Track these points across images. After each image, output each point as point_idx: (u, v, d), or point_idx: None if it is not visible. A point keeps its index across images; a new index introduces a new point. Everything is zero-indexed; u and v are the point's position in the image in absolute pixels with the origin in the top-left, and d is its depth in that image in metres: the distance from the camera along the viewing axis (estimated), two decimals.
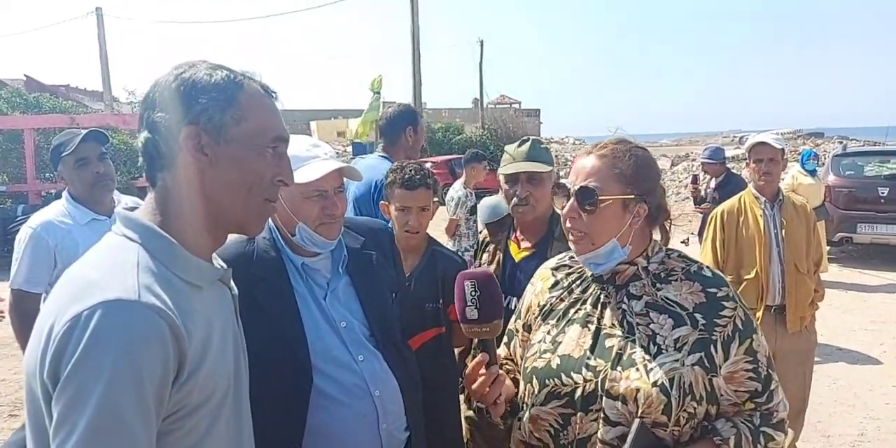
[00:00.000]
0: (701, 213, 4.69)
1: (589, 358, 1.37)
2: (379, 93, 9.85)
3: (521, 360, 1.53)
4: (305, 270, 1.64)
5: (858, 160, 9.57)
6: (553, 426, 1.39)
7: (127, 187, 10.42)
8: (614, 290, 1.44)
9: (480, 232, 5.63)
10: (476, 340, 2.40)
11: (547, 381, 1.40)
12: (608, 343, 1.38)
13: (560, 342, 1.44)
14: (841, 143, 17.79)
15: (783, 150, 3.27)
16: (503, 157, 2.36)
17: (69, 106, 15.31)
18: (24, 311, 2.57)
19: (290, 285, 1.60)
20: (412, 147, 3.14)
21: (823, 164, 9.68)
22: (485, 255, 2.42)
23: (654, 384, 1.29)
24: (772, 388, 1.38)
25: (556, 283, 1.56)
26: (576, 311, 1.47)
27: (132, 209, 1.11)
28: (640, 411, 1.29)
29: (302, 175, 1.52)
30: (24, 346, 1.97)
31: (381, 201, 2.34)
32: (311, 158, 1.60)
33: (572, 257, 1.57)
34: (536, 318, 1.55)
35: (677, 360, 1.31)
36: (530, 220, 2.27)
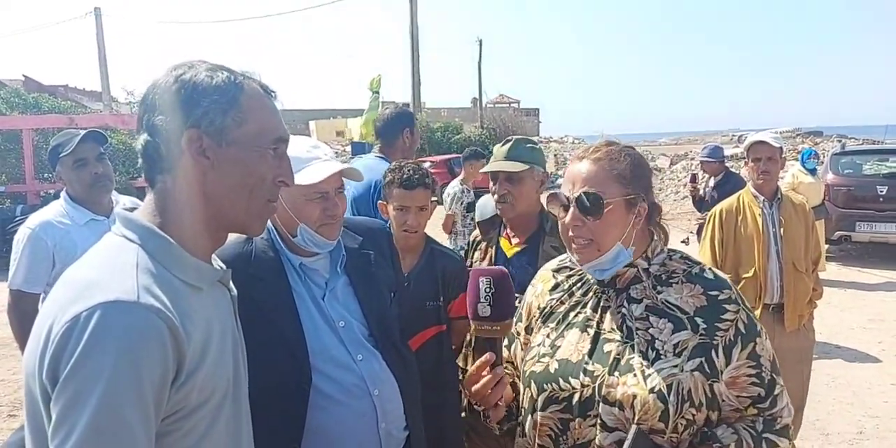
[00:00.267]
0: (701, 221, 4.70)
1: (587, 363, 1.35)
2: (378, 92, 9.84)
3: (522, 363, 1.50)
4: (304, 270, 1.64)
5: (857, 159, 9.59)
6: (553, 431, 1.37)
7: (126, 188, 10.40)
8: (614, 294, 1.41)
9: (465, 227, 5.63)
10: (470, 339, 2.42)
11: (545, 385, 1.38)
12: (607, 348, 1.36)
13: (559, 346, 1.42)
14: (840, 141, 17.80)
15: (781, 148, 3.27)
16: (491, 157, 2.45)
17: (68, 106, 15.30)
18: (23, 311, 2.57)
19: (288, 285, 1.61)
20: (409, 148, 3.19)
21: (823, 162, 9.69)
22: (476, 254, 2.46)
23: (651, 390, 1.27)
24: (775, 393, 1.35)
25: (556, 286, 1.54)
26: (576, 315, 1.45)
27: (131, 210, 1.11)
28: (636, 418, 1.27)
29: (304, 177, 1.52)
30: (22, 347, 1.97)
31: (380, 201, 2.35)
32: (312, 160, 1.60)
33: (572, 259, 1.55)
34: (536, 320, 1.54)
35: (676, 366, 1.29)
36: (513, 216, 2.35)
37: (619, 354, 1.33)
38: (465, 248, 2.66)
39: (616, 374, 1.31)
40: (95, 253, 1.05)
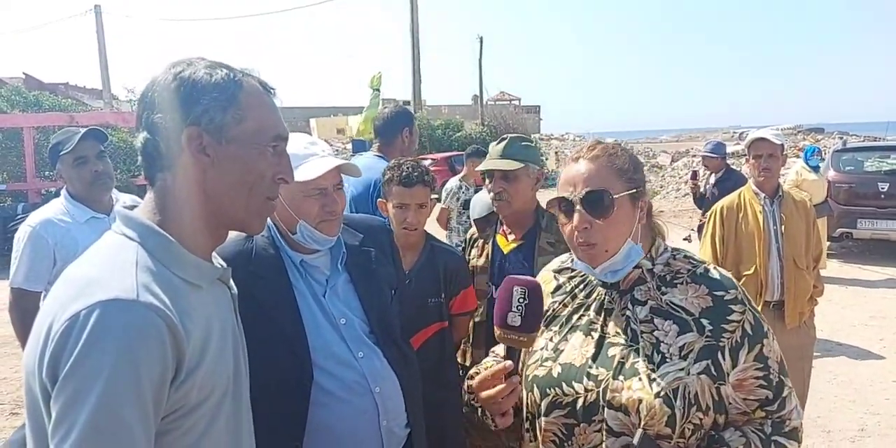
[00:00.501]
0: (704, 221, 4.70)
1: (590, 367, 1.32)
2: (378, 90, 9.82)
3: (524, 367, 1.46)
4: (304, 267, 1.64)
5: (858, 156, 9.58)
6: (557, 436, 1.34)
7: (126, 185, 10.41)
8: (618, 296, 1.38)
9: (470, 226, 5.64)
10: (469, 335, 2.43)
11: (548, 390, 1.35)
12: (611, 352, 1.32)
13: (562, 350, 1.38)
14: (841, 138, 17.78)
15: (783, 145, 3.26)
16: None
17: (68, 104, 15.30)
18: (25, 309, 2.58)
19: (289, 282, 1.61)
20: (408, 148, 3.19)
21: (825, 159, 9.68)
22: (473, 250, 2.48)
23: (657, 395, 1.23)
24: (784, 394, 1.31)
25: (558, 288, 1.50)
26: (579, 318, 1.41)
27: (131, 208, 1.11)
28: (642, 423, 1.24)
29: (302, 173, 1.52)
30: (24, 345, 1.98)
31: (379, 199, 2.35)
32: (309, 156, 1.60)
33: (574, 261, 1.48)
34: None
35: (682, 369, 1.25)
36: (509, 213, 2.37)
37: (623, 358, 1.30)
38: (461, 244, 2.66)
39: (621, 378, 1.28)
40: (95, 251, 1.05)
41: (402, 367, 1.67)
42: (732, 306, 1.31)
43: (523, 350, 1.35)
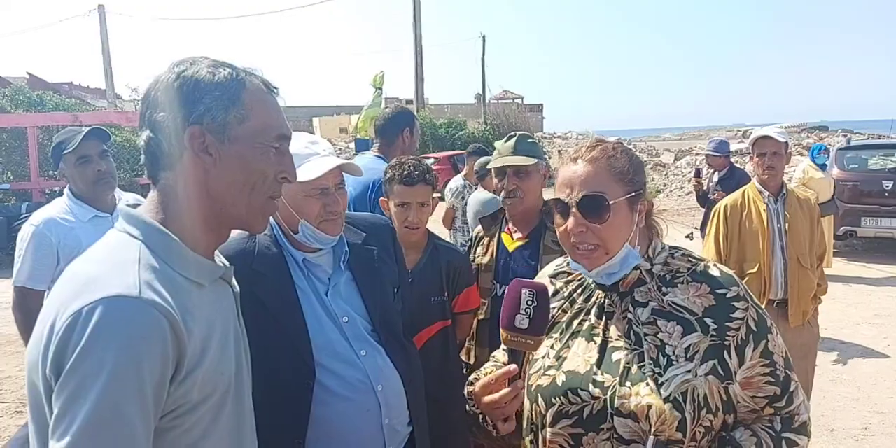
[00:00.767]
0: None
1: (595, 373, 1.29)
2: (381, 89, 9.82)
3: (525, 376, 1.42)
4: (307, 266, 1.64)
5: (863, 153, 9.55)
6: None
7: (130, 185, 10.43)
8: (618, 298, 1.35)
9: (466, 223, 5.63)
10: (472, 333, 2.42)
11: (553, 399, 1.31)
12: (615, 357, 1.29)
13: (565, 357, 1.35)
14: (845, 136, 17.72)
15: (787, 143, 3.26)
16: (494, 153, 2.44)
17: (72, 104, 15.32)
18: (28, 308, 2.58)
19: (291, 281, 1.61)
20: (408, 148, 3.17)
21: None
22: (479, 248, 2.47)
23: (667, 399, 1.21)
24: (791, 389, 1.30)
25: (555, 293, 1.46)
26: (580, 323, 1.38)
27: (134, 206, 1.12)
28: (653, 429, 1.21)
29: (303, 173, 1.52)
30: (27, 343, 1.98)
31: (381, 197, 2.35)
32: (310, 156, 1.60)
33: (570, 263, 1.46)
34: None
35: (689, 371, 1.23)
36: (520, 211, 2.35)
37: (628, 363, 1.27)
38: (465, 244, 2.66)
39: (628, 384, 1.25)
40: (98, 249, 1.06)
41: (404, 366, 1.67)
42: (735, 304, 1.29)
43: (527, 355, 1.33)
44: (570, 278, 1.48)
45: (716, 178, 6.07)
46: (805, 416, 1.32)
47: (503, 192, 2.33)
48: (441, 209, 5.11)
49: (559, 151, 22.05)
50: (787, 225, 3.23)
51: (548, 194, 1.46)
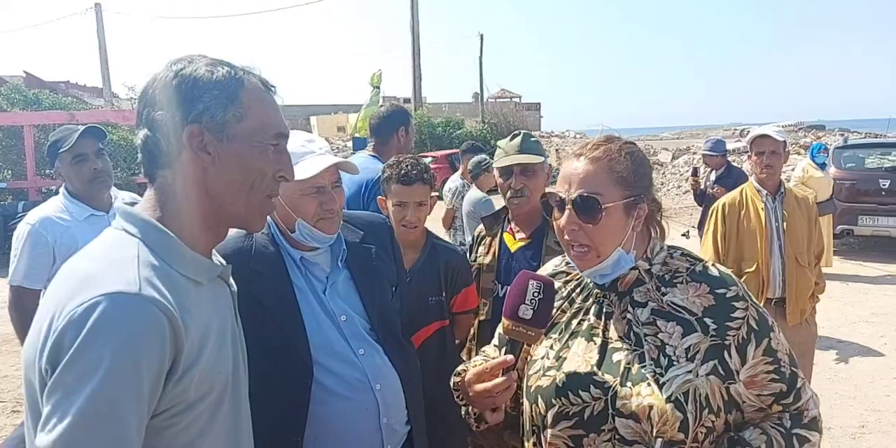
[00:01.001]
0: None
1: (596, 374, 1.28)
2: (378, 87, 9.80)
3: (524, 378, 1.41)
4: (304, 264, 1.64)
5: (860, 152, 9.57)
6: None
7: (127, 183, 10.41)
8: (617, 298, 1.34)
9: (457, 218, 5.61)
10: (474, 333, 2.42)
11: (553, 400, 1.30)
12: (616, 357, 1.28)
13: (565, 358, 1.34)
14: (842, 135, 17.74)
15: (785, 142, 3.26)
16: (496, 152, 2.41)
17: (69, 102, 15.29)
18: (24, 307, 2.58)
19: (289, 280, 1.60)
20: (403, 147, 3.14)
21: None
22: (480, 248, 2.44)
23: (668, 400, 1.20)
24: (798, 386, 1.29)
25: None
26: (579, 324, 1.37)
27: (131, 205, 1.11)
28: (654, 430, 1.20)
29: (299, 172, 1.51)
30: (24, 342, 1.98)
31: (379, 196, 2.34)
32: (306, 154, 1.60)
33: (569, 263, 1.46)
34: None
35: (690, 372, 1.22)
36: (526, 211, 2.31)
37: (629, 363, 1.27)
38: (465, 244, 2.64)
39: (629, 384, 1.24)
40: (96, 246, 1.06)
41: (402, 365, 1.66)
42: (735, 303, 1.29)
43: (523, 348, 1.33)
44: (568, 278, 1.47)
45: (713, 177, 6.09)
46: (815, 411, 1.31)
47: (509, 191, 2.28)
48: (440, 209, 5.10)
49: (557, 150, 22.06)
50: (784, 224, 3.23)
51: None
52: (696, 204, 6.78)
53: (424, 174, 2.20)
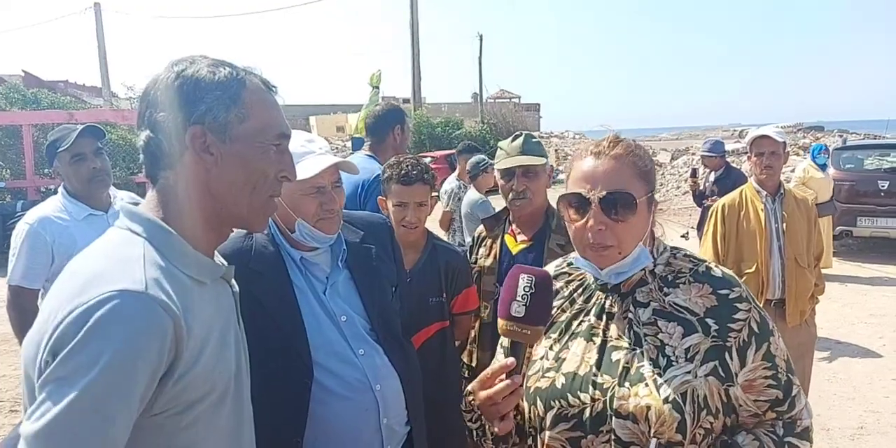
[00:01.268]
0: (710, 204, 4.64)
1: (595, 374, 1.26)
2: (378, 87, 9.80)
3: (524, 378, 1.36)
4: (304, 265, 1.63)
5: (858, 153, 9.59)
6: None
7: (126, 183, 10.40)
8: (619, 299, 1.33)
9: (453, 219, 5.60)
10: (475, 335, 2.41)
11: (552, 402, 1.29)
12: (615, 357, 1.27)
13: (564, 359, 1.32)
14: (841, 136, 17.77)
15: (784, 143, 3.26)
16: (497, 153, 2.38)
17: (68, 102, 15.27)
18: (22, 307, 2.57)
19: (289, 280, 1.60)
20: (399, 146, 3.13)
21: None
22: (481, 250, 2.42)
23: (666, 400, 1.19)
24: (793, 394, 1.28)
25: (556, 293, 1.40)
26: (579, 324, 1.36)
27: (134, 204, 1.11)
28: (652, 431, 1.19)
29: (299, 172, 1.51)
30: (22, 342, 1.97)
31: (379, 196, 2.34)
32: (306, 154, 1.60)
33: (571, 264, 1.45)
34: None
35: (689, 372, 1.21)
36: (528, 213, 2.29)
37: (627, 363, 1.25)
38: (464, 244, 2.63)
39: (627, 384, 1.23)
40: (100, 245, 1.05)
41: (403, 365, 1.66)
42: (738, 305, 1.27)
43: (527, 349, 1.27)
44: (570, 278, 1.45)
45: (712, 178, 6.09)
46: (807, 421, 1.31)
47: (511, 193, 2.26)
48: (437, 211, 5.09)
49: (556, 151, 22.08)
50: (784, 225, 3.23)
51: (553, 194, 1.42)
52: (695, 205, 6.79)
53: (425, 174, 2.20)
